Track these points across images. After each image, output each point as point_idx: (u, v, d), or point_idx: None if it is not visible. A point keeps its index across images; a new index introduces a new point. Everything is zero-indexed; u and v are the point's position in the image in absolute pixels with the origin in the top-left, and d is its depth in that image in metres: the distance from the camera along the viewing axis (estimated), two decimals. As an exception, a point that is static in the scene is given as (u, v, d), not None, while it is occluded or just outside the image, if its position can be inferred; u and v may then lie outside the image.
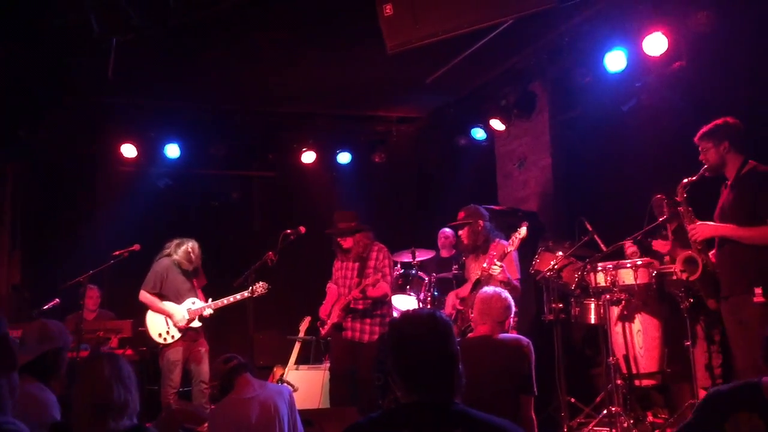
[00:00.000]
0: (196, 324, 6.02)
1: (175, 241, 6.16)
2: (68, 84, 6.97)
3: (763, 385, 2.24)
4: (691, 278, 4.08)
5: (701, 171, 4.10)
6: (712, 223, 4.05)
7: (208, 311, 6.02)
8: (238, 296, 5.96)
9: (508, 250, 5.27)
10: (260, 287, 5.83)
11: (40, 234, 7.79)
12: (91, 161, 8.11)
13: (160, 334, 5.97)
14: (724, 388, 2.39)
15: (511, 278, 5.27)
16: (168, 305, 6.00)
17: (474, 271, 5.52)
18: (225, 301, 6.02)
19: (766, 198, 3.83)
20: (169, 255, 6.12)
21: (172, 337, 5.95)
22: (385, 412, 2.11)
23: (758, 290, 3.73)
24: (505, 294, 4.05)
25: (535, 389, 3.84)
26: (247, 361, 4.04)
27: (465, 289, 5.60)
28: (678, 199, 4.18)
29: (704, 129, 4.08)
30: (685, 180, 4.17)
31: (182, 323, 5.94)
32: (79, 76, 6.70)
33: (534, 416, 3.87)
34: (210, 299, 6.07)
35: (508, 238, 5.40)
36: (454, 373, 2.01)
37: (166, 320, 5.98)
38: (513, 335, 4.04)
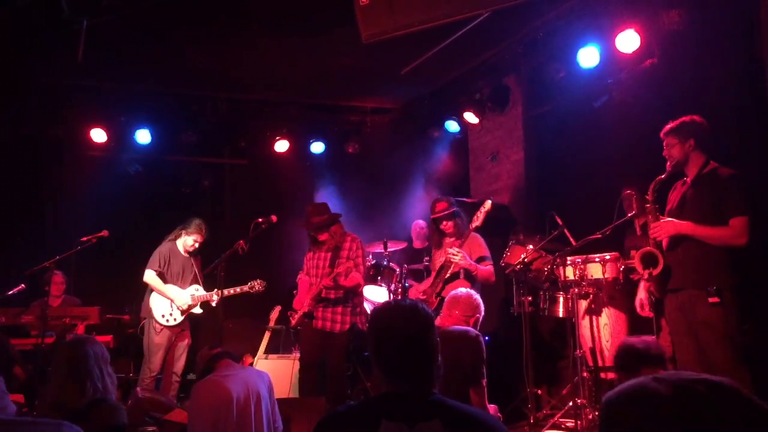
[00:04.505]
0: (198, 310, 6.17)
1: (179, 226, 6.28)
2: (36, 65, 6.82)
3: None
4: (654, 273, 4.08)
5: (668, 167, 4.11)
6: (675, 220, 4.04)
7: (215, 298, 6.06)
8: (238, 289, 6.09)
9: (474, 225, 5.36)
10: (258, 284, 6.05)
11: (5, 218, 7.63)
12: (60, 145, 7.94)
13: (163, 315, 6.06)
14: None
15: (475, 265, 5.33)
16: (171, 288, 6.09)
17: (438, 260, 5.59)
18: (228, 291, 6.00)
19: (732, 199, 3.86)
20: (173, 239, 6.22)
21: (175, 319, 6.08)
22: (363, 401, 2.12)
23: (712, 290, 3.77)
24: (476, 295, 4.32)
25: (483, 380, 3.90)
26: (232, 351, 4.13)
27: (427, 283, 5.69)
28: (648, 197, 4.18)
29: (671, 125, 4.10)
30: (660, 177, 4.16)
31: (184, 307, 6.06)
32: (48, 57, 6.56)
33: (488, 405, 3.93)
34: (216, 289, 5.99)
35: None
36: (433, 364, 2.02)
37: (170, 302, 6.07)
38: (462, 327, 4.09)
